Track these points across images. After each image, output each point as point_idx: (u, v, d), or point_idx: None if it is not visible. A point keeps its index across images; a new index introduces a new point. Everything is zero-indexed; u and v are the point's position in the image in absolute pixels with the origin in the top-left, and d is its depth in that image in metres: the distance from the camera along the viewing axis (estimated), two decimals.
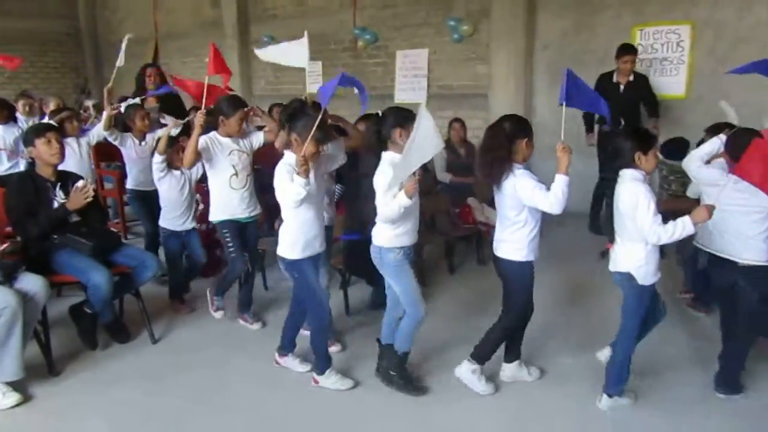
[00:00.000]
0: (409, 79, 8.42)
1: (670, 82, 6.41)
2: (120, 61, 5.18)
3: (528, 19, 7.16)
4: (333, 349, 3.59)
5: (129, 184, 4.95)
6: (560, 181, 2.80)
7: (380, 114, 3.07)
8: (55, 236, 3.51)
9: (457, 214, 5.58)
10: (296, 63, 3.53)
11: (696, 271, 3.71)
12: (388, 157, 2.99)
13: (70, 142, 4.86)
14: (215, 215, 3.82)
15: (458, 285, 4.91)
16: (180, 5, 11.42)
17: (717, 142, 3.25)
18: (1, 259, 3.18)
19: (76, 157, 4.88)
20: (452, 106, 7.67)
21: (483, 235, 5.39)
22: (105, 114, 4.70)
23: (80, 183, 3.50)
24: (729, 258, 3.09)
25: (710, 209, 2.71)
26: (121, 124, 4.88)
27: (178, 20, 11.48)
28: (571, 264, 5.13)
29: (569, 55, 6.98)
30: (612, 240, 2.97)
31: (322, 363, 3.29)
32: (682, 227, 2.70)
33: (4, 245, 3.24)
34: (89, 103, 9.00)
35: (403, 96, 8.49)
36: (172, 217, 4.26)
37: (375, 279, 4.36)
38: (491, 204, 5.49)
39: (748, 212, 3.00)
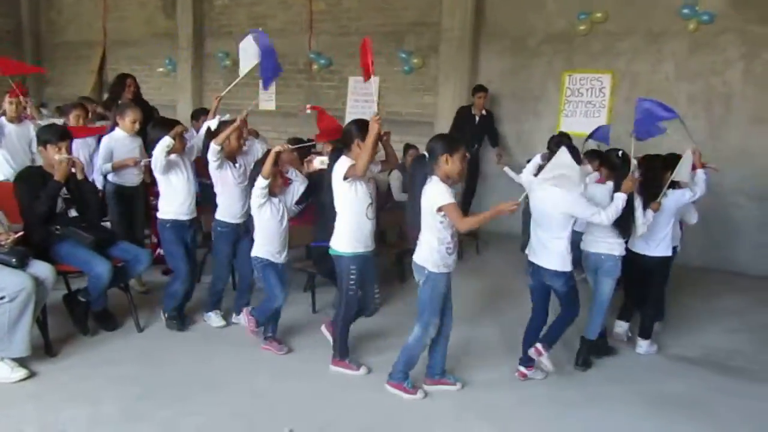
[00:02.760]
0: (360, 104, 9.02)
1: (593, 123, 7.31)
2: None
3: (472, 57, 7.98)
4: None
5: (219, 215, 4.28)
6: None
7: None
8: (57, 228, 3.82)
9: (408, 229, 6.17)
10: None
11: None
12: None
13: (176, 160, 4.16)
14: (348, 247, 3.63)
15: (407, 292, 5.46)
16: (132, 13, 11.56)
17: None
18: (14, 246, 3.46)
19: (183, 177, 4.18)
20: (400, 132, 8.27)
21: None
22: (229, 126, 4.08)
23: (57, 156, 3.83)
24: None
25: None
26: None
27: (129, 28, 11.60)
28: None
29: (508, 92, 7.85)
30: None
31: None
32: None
33: (18, 234, 3.51)
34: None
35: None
36: (271, 249, 3.96)
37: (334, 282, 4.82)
38: None
39: None
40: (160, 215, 4.20)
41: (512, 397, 3.60)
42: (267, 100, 10.04)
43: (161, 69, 11.11)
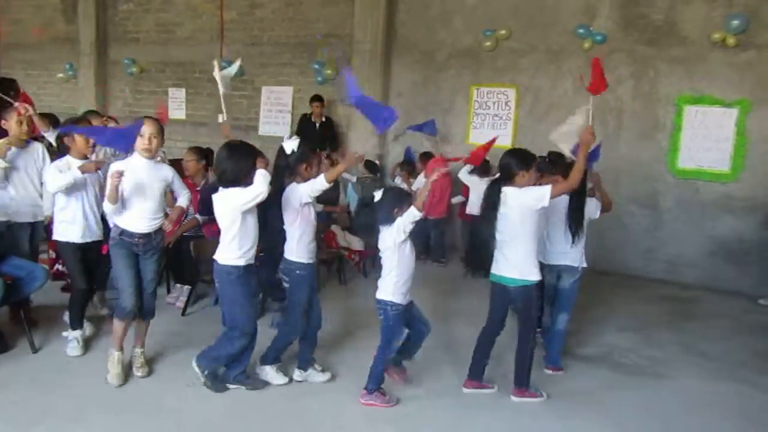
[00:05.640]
0: (274, 114, 8.98)
1: (500, 134, 7.64)
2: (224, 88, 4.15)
3: (384, 69, 8.14)
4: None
5: (296, 256, 3.70)
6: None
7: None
8: None
9: (321, 239, 6.19)
10: None
11: None
12: None
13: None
14: (538, 274, 3.66)
15: (322, 302, 5.46)
16: (27, 16, 10.94)
17: None
18: None
19: (255, 215, 3.53)
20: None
21: (345, 258, 6.06)
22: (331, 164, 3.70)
23: None
24: None
25: None
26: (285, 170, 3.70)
27: (24, 31, 10.95)
28: None
29: (419, 103, 8.05)
30: None
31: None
32: None
33: None
34: None
35: (267, 129, 9.02)
36: (405, 291, 3.56)
37: (279, 294, 4.76)
38: (352, 231, 6.31)
39: None
40: (225, 262, 3.46)
41: (421, 403, 3.68)
42: (177, 108, 9.87)
43: (61, 75, 10.56)
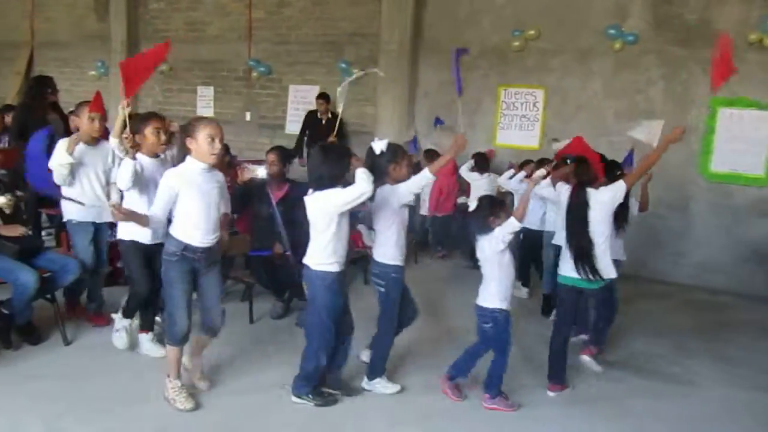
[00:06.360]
0: (300, 113, 9.00)
1: (528, 136, 7.61)
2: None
3: (411, 69, 8.14)
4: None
5: (388, 258, 3.57)
6: None
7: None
8: None
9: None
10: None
11: None
12: None
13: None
14: (613, 272, 3.84)
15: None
16: (60, 15, 11.18)
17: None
18: None
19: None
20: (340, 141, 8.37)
21: (370, 258, 6.06)
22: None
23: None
24: None
25: None
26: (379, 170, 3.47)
27: (57, 29, 11.19)
28: None
29: (445, 103, 8.02)
30: None
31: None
32: None
33: None
34: None
35: (293, 128, 9.06)
36: (509, 297, 3.58)
37: (282, 292, 4.87)
38: None
39: None
40: (319, 267, 3.27)
41: (446, 403, 3.66)
42: (204, 107, 9.99)
43: (93, 72, 10.76)
